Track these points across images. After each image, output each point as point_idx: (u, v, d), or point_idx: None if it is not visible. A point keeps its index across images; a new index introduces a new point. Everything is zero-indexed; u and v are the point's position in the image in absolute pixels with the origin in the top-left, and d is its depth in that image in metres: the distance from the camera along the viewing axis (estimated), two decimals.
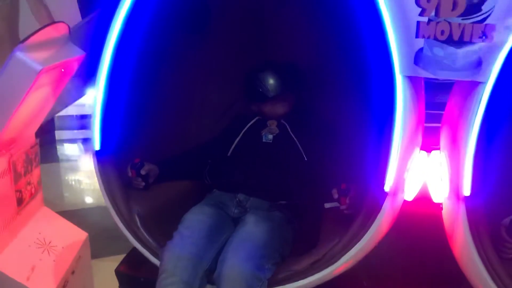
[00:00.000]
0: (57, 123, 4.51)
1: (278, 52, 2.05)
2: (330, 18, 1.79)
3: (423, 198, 1.62)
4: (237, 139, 1.94)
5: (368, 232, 1.42)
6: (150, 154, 1.82)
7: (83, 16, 2.08)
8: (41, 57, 1.52)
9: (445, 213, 1.53)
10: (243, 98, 2.08)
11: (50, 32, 1.62)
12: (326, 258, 1.47)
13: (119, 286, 1.87)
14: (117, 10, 1.67)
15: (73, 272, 1.83)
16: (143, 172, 1.75)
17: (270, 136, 1.92)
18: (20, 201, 1.74)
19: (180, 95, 2.03)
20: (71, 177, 3.70)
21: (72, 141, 4.55)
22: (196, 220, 1.64)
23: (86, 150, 4.40)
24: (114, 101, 1.73)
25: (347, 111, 1.86)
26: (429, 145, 1.59)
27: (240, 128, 1.97)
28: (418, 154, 1.54)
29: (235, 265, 1.45)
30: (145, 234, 1.66)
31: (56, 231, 1.90)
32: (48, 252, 1.79)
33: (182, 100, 2.04)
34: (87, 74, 1.92)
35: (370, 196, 1.44)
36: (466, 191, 1.34)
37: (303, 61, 2.00)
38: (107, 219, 2.53)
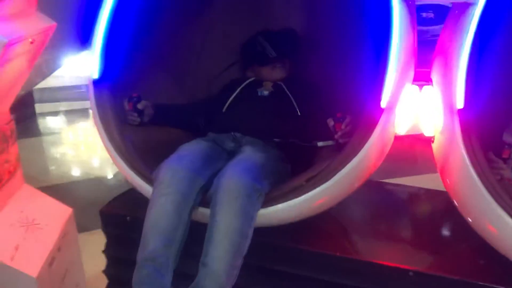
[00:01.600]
0: (36, 95, 4.33)
1: (275, 19, 2.15)
2: None
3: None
4: (233, 96, 1.97)
5: (365, 146, 1.44)
6: (146, 96, 1.83)
7: None
8: (8, 29, 1.48)
9: (436, 145, 1.58)
10: (240, 63, 2.14)
11: (16, 3, 1.58)
12: (323, 174, 1.47)
13: (102, 228, 1.81)
14: None
15: (59, 249, 1.74)
16: (140, 106, 1.75)
17: (266, 92, 1.97)
18: None
19: (180, 46, 2.08)
20: (55, 151, 3.57)
21: (53, 113, 4.40)
22: (192, 146, 1.64)
23: (69, 122, 4.29)
24: (115, 37, 1.76)
25: (344, 37, 1.92)
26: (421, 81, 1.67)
27: (235, 87, 2.01)
28: (410, 87, 1.62)
29: (234, 175, 1.45)
30: (139, 161, 1.64)
31: (39, 208, 1.82)
32: (32, 231, 1.71)
33: (181, 51, 2.08)
34: (65, 42, 1.93)
35: (367, 113, 1.48)
36: (460, 103, 1.40)
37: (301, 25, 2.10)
38: (94, 192, 2.48)
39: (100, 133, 1.70)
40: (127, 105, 1.74)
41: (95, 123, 1.71)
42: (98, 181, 2.98)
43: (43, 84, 3.32)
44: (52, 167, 3.25)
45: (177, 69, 2.07)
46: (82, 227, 2.02)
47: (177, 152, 1.59)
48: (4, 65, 1.49)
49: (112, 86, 1.74)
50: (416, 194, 2.08)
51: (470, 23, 1.41)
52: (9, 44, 1.44)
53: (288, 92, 1.96)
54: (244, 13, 2.19)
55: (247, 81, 2.02)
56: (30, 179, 1.92)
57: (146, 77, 1.90)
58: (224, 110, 1.94)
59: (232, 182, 1.43)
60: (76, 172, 3.17)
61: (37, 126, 4.06)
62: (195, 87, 2.12)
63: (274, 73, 2.03)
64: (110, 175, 3.10)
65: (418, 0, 1.53)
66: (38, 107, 4.32)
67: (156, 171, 1.54)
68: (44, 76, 2.25)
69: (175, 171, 1.48)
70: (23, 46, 1.59)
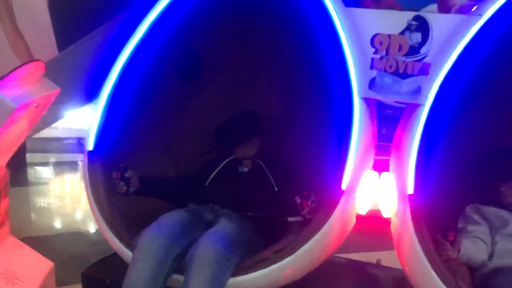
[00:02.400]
0: (29, 145, 4.39)
1: (256, 102, 2.38)
2: (302, 57, 2.16)
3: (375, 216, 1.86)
4: (215, 172, 2.15)
5: (327, 223, 1.61)
6: (133, 168, 2.00)
7: (60, 49, 2.29)
8: (17, 94, 1.67)
9: (392, 225, 1.75)
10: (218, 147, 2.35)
11: (26, 70, 1.75)
12: (289, 248, 1.63)
13: None
14: (122, 50, 1.99)
15: None
16: (127, 175, 1.92)
17: (246, 169, 2.16)
18: None
19: (169, 124, 2.28)
20: (41, 201, 3.63)
21: (43, 164, 4.47)
22: (172, 216, 1.79)
23: (58, 173, 4.35)
24: (111, 114, 1.97)
25: (312, 126, 2.13)
26: (380, 169, 1.87)
27: (218, 164, 2.19)
28: (370, 172, 1.81)
29: (207, 244, 1.59)
30: (122, 227, 1.78)
31: (22, 261, 1.93)
32: (13, 283, 1.82)
33: (169, 129, 2.28)
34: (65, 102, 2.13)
35: (329, 194, 1.66)
36: (410, 189, 1.59)
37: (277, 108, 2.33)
38: (75, 246, 2.56)
39: (89, 199, 1.86)
40: (114, 175, 1.91)
41: (86, 190, 1.88)
42: (80, 235, 3.03)
43: (36, 134, 3.46)
44: (36, 218, 3.29)
45: (165, 144, 2.26)
46: (61, 281, 2.08)
47: (157, 220, 1.73)
48: (9, 127, 1.67)
49: (104, 157, 1.92)
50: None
51: (419, 119, 1.64)
52: (17, 110, 1.63)
53: (266, 170, 2.14)
54: (228, 98, 2.42)
55: (228, 159, 2.20)
56: (13, 229, 2.01)
57: (135, 150, 2.08)
58: (206, 184, 2.11)
59: (204, 250, 1.57)
60: (59, 224, 3.22)
61: (26, 176, 4.14)
62: (180, 161, 2.30)
63: (246, 152, 2.21)
64: (92, 229, 3.14)
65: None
66: (29, 157, 4.38)
67: (136, 238, 1.68)
68: (40, 129, 2.42)
69: (153, 239, 1.63)
70: (28, 109, 1.78)
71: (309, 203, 1.72)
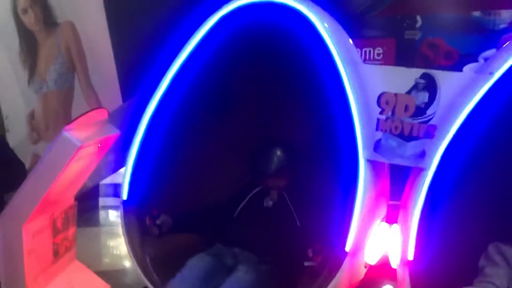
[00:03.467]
0: (101, 190, 4.83)
1: (278, 134, 2.45)
2: (315, 115, 2.20)
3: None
4: (243, 203, 2.30)
5: (332, 282, 1.72)
6: (167, 208, 2.20)
7: (123, 100, 2.56)
8: (82, 135, 1.97)
9: (398, 277, 1.81)
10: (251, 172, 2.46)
11: (92, 116, 2.08)
12: None
13: None
14: (154, 93, 2.14)
15: None
16: (158, 222, 2.12)
17: (270, 202, 2.28)
18: (56, 253, 2.13)
19: (200, 164, 2.43)
20: (110, 241, 3.95)
21: (115, 207, 4.70)
22: (196, 265, 1.99)
23: None
24: (142, 161, 2.16)
25: (326, 187, 2.19)
26: (392, 219, 1.91)
27: (245, 194, 2.33)
28: (379, 225, 1.87)
29: None
30: (153, 272, 2.01)
31: (83, 282, 2.25)
32: None
33: (202, 165, 2.44)
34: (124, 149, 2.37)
35: (334, 255, 1.75)
36: (410, 255, 1.64)
37: (296, 143, 2.39)
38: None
39: (126, 246, 2.10)
40: (147, 221, 2.12)
41: (124, 238, 2.11)
42: None
43: (109, 180, 3.79)
44: (105, 255, 3.62)
45: (198, 184, 2.41)
46: None
47: (181, 271, 1.94)
48: (74, 163, 1.96)
49: (138, 204, 2.14)
50: None
51: (422, 185, 1.66)
52: (81, 147, 1.91)
53: (290, 204, 2.25)
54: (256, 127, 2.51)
55: (255, 191, 2.33)
56: (83, 263, 2.31)
57: (167, 192, 2.27)
58: (235, 215, 2.27)
59: None
60: (124, 261, 3.45)
61: (98, 218, 4.53)
62: (214, 196, 2.46)
63: (277, 182, 2.30)
64: None
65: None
66: (102, 201, 4.82)
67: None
68: (111, 172, 2.70)
69: None
70: (91, 149, 2.09)
71: (319, 258, 1.83)
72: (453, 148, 1.64)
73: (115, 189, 4.67)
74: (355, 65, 1.82)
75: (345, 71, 1.78)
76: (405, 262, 1.66)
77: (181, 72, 2.14)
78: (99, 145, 2.18)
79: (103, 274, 2.55)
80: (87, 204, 2.25)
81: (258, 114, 2.45)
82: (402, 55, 2.58)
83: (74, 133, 1.94)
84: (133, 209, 2.13)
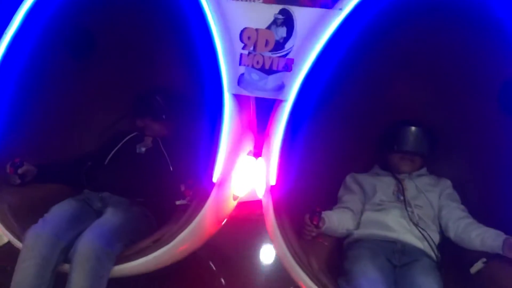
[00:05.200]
0: None
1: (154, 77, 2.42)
2: (178, 51, 2.20)
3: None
4: (114, 150, 2.23)
5: (199, 214, 1.77)
6: (31, 156, 2.06)
7: None
8: None
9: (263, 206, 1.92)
10: (129, 114, 2.40)
11: None
12: (165, 238, 1.79)
13: None
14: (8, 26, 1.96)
15: None
16: (20, 171, 1.98)
17: (143, 149, 2.25)
18: None
19: (66, 107, 2.31)
20: None
21: None
22: (60, 209, 1.91)
23: None
24: None
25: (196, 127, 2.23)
26: (258, 153, 2.01)
27: (119, 141, 2.27)
28: (246, 158, 1.95)
29: (88, 241, 1.73)
30: (12, 220, 1.89)
31: None
32: None
33: (67, 112, 2.31)
34: None
35: (202, 187, 1.80)
36: (272, 181, 1.75)
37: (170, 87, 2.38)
38: None
39: None
40: (8, 169, 1.97)
41: None
42: None
43: None
44: None
45: (64, 124, 2.30)
46: None
47: (44, 216, 1.84)
48: None
49: None
50: None
51: (283, 115, 1.76)
52: None
53: (163, 150, 2.24)
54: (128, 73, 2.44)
55: (129, 136, 2.29)
56: None
57: (32, 138, 2.13)
58: (106, 162, 2.21)
59: (84, 246, 1.71)
60: None
61: None
62: (82, 142, 2.36)
63: (161, 129, 2.30)
64: None
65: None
66: None
67: (24, 235, 1.79)
68: None
69: (37, 236, 1.74)
70: None
71: (190, 192, 1.86)
72: (310, 80, 1.75)
73: None
74: (217, 1, 1.84)
75: (209, 7, 1.80)
76: (268, 188, 1.76)
77: (34, 11, 1.98)
78: None
79: None
80: None
81: (127, 61, 2.39)
82: None
83: None
84: None
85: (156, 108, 2.28)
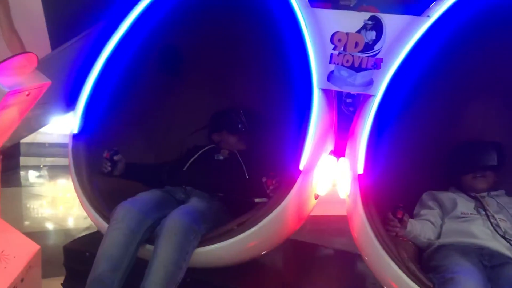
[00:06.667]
0: (23, 149, 4.55)
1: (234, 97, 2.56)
2: (270, 52, 2.34)
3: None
4: (193, 158, 2.32)
5: (284, 200, 1.79)
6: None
7: (52, 47, 2.43)
8: (9, 81, 1.80)
9: (346, 206, 1.92)
10: (209, 128, 2.50)
11: (20, 61, 1.90)
12: (249, 222, 1.79)
13: (64, 262, 2.06)
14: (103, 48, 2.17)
15: (22, 280, 1.94)
16: (116, 158, 2.07)
17: (221, 157, 2.33)
18: None
19: (153, 110, 2.45)
20: (32, 203, 3.76)
21: (36, 168, 4.57)
22: (147, 193, 1.97)
23: (50, 177, 4.50)
24: (96, 100, 2.15)
25: (281, 111, 2.31)
26: (339, 153, 2.04)
27: (196, 152, 2.36)
28: (327, 157, 1.99)
29: (175, 217, 1.76)
30: (101, 201, 1.95)
31: (10, 241, 2.05)
32: (0, 260, 1.98)
33: (154, 114, 2.45)
34: (55, 101, 2.29)
35: (288, 173, 1.83)
36: (360, 169, 1.77)
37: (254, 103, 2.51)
38: (62, 242, 2.65)
39: (72, 178, 2.03)
40: (105, 154, 2.06)
41: (70, 170, 2.04)
42: (68, 233, 3.16)
43: (30, 139, 3.55)
44: (27, 216, 3.42)
45: (149, 130, 2.43)
46: (47, 274, 2.12)
47: (133, 197, 1.90)
48: (1, 112, 1.83)
49: (88, 139, 2.10)
50: None
51: (371, 108, 1.83)
52: (9, 94, 1.78)
53: (241, 160, 2.30)
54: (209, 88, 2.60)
55: (207, 147, 2.37)
56: None
57: (117, 138, 2.25)
58: (184, 169, 2.28)
59: (172, 221, 1.74)
60: (48, 223, 3.34)
61: (19, 178, 4.27)
62: (164, 148, 2.46)
63: (238, 144, 2.38)
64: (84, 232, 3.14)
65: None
66: (23, 160, 4.50)
67: (113, 210, 1.84)
68: (32, 130, 2.56)
69: (127, 210, 1.79)
70: (19, 97, 1.91)
71: (273, 182, 1.89)
72: (398, 78, 1.84)
73: (38, 149, 4.37)
74: (309, 8, 2.00)
75: (301, 12, 1.96)
76: (356, 177, 1.77)
77: (133, 30, 2.21)
78: (28, 94, 1.97)
79: (27, 236, 2.38)
80: (6, 163, 2.08)
81: (213, 76, 2.55)
82: None
83: (0, 79, 1.77)
84: (82, 144, 2.09)
85: (234, 122, 2.39)
